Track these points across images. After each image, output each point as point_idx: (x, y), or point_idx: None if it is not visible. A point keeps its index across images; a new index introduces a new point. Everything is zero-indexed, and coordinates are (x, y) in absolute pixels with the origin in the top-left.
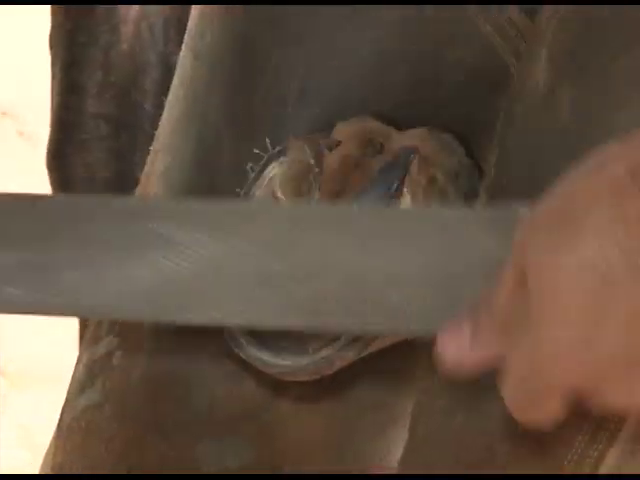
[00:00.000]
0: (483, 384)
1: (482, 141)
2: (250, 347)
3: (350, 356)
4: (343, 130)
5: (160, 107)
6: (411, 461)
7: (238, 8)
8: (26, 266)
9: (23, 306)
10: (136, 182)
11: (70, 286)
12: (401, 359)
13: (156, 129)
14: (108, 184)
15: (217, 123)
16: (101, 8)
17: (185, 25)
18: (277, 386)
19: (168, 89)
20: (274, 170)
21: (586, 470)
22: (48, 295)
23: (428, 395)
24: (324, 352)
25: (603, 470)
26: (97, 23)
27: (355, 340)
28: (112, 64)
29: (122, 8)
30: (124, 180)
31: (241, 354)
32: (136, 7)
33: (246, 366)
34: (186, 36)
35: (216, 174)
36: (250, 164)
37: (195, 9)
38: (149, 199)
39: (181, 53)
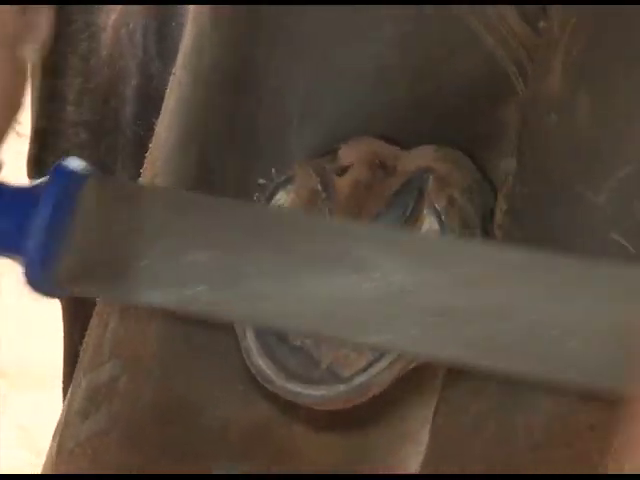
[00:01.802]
0: (513, 392)
1: (486, 153)
2: (279, 380)
3: (386, 382)
4: (349, 153)
5: (140, 113)
6: (433, 470)
7: (235, 28)
8: (220, 266)
9: (206, 305)
10: None
11: (257, 292)
12: (417, 373)
13: (137, 135)
14: None
15: (219, 146)
16: (80, 16)
17: (164, 35)
18: (289, 406)
19: (147, 96)
20: (282, 199)
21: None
22: (233, 297)
23: (453, 405)
24: (359, 379)
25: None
26: (76, 31)
27: (392, 364)
28: (91, 71)
29: (101, 15)
30: None
31: (270, 387)
32: (115, 14)
33: (257, 386)
34: (180, 56)
35: (219, 196)
36: (256, 194)
37: (190, 29)
38: (354, 223)
39: (176, 72)
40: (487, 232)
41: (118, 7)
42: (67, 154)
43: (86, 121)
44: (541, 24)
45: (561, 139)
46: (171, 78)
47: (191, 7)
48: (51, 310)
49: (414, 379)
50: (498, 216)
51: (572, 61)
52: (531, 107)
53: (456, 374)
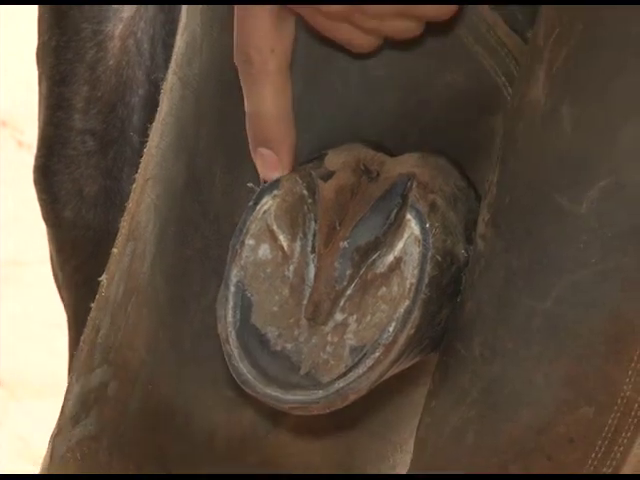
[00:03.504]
0: (492, 403)
1: (475, 162)
2: (258, 384)
3: (364, 388)
4: (335, 160)
5: (147, 122)
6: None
7: (225, 37)
8: None
9: None
10: (123, 196)
11: None
12: (402, 382)
13: (144, 143)
14: (96, 199)
15: (208, 152)
16: (88, 25)
17: (171, 44)
18: (275, 412)
19: (155, 104)
20: (267, 203)
21: None
22: None
23: (436, 416)
24: (337, 385)
25: None
26: (83, 39)
27: (369, 370)
28: (98, 80)
29: (109, 24)
30: (111, 195)
31: (249, 391)
32: (123, 23)
33: (244, 392)
34: (172, 63)
35: (208, 203)
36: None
37: (181, 37)
38: None
39: (168, 79)
40: (470, 241)
41: (125, 16)
42: (74, 162)
43: (93, 129)
44: (529, 34)
45: (544, 148)
46: (163, 84)
47: (182, 14)
48: (51, 320)
49: (404, 389)
50: (480, 225)
51: (555, 71)
52: (515, 116)
53: (439, 385)
